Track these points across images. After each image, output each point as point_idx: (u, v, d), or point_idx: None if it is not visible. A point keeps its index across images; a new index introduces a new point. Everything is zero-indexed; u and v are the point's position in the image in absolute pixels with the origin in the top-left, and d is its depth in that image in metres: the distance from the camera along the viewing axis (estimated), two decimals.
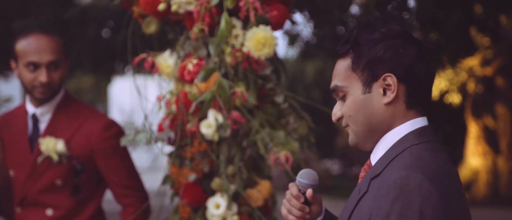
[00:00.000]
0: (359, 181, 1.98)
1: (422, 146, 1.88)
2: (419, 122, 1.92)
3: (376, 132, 1.93)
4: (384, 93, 1.90)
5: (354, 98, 1.93)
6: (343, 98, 1.96)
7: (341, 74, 1.95)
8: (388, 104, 1.90)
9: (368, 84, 1.91)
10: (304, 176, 2.06)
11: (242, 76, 3.02)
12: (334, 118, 2.01)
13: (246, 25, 3.02)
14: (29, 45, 3.21)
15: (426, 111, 1.95)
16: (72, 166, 3.26)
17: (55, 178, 3.26)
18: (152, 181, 5.57)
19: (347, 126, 1.97)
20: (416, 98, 1.91)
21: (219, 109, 2.98)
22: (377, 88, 1.90)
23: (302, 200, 2.07)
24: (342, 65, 1.96)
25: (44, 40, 3.22)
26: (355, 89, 1.93)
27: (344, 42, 1.97)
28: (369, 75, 1.91)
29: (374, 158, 1.95)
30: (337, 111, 1.98)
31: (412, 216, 1.75)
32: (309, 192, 2.06)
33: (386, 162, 1.88)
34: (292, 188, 2.08)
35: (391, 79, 1.88)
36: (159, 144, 3.14)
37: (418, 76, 1.90)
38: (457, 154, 13.23)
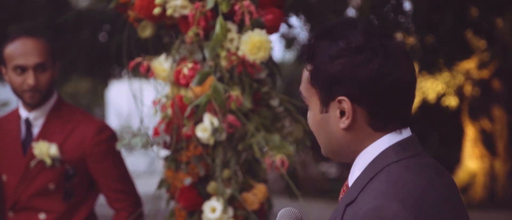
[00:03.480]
0: (339, 201, 1.75)
1: (403, 164, 1.64)
2: (398, 135, 1.68)
3: (342, 152, 1.72)
4: (341, 116, 1.67)
5: (313, 115, 1.73)
6: (308, 108, 1.76)
7: (304, 84, 1.74)
8: (347, 129, 1.67)
9: (325, 103, 1.69)
10: (283, 215, 1.79)
11: (237, 80, 3.02)
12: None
13: (241, 29, 3.01)
14: (16, 49, 3.21)
15: (405, 122, 1.70)
16: (64, 170, 3.26)
17: (47, 182, 3.26)
18: (148, 184, 5.57)
19: None
20: (384, 118, 1.67)
21: (214, 113, 2.98)
22: (334, 109, 1.68)
23: None
24: (305, 74, 1.74)
25: (30, 43, 3.22)
26: (314, 105, 1.72)
27: (306, 48, 1.74)
28: (326, 93, 1.68)
29: (351, 179, 1.71)
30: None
31: None
32: None
33: (361, 185, 1.64)
34: None
35: (345, 104, 1.65)
36: (155, 148, 3.13)
37: (382, 93, 1.64)
38: (454, 157, 13.22)
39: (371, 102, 1.65)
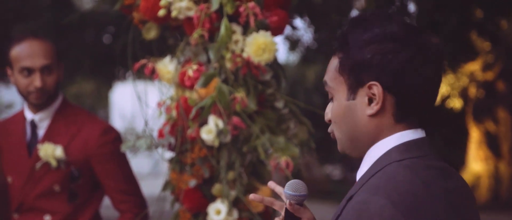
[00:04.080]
0: None
1: (404, 163, 1.65)
2: (408, 135, 1.69)
3: (360, 143, 1.72)
4: (369, 103, 1.68)
5: (339, 103, 1.73)
6: (332, 100, 1.77)
7: (331, 73, 1.75)
8: (373, 116, 1.68)
9: (353, 90, 1.70)
10: (289, 186, 1.84)
11: (242, 81, 3.02)
12: (326, 118, 1.81)
13: (246, 31, 3.01)
14: (22, 51, 3.21)
15: (421, 121, 1.72)
16: (69, 172, 3.26)
17: (52, 183, 3.26)
18: (152, 186, 5.57)
19: (332, 131, 1.78)
20: (407, 110, 1.68)
21: (219, 114, 2.97)
22: (362, 96, 1.69)
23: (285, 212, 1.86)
24: (333, 64, 1.75)
25: (36, 45, 3.22)
26: (341, 93, 1.72)
27: (336, 38, 1.76)
28: (355, 80, 1.69)
29: (359, 174, 1.74)
30: (329, 111, 1.79)
31: None
32: (287, 202, 1.84)
33: (363, 181, 1.67)
34: (276, 202, 1.91)
35: (377, 89, 1.66)
36: (160, 150, 3.13)
37: (410, 85, 1.66)
38: (459, 159, 13.21)
39: (399, 90, 1.67)
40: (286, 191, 1.84)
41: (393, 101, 1.67)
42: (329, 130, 1.80)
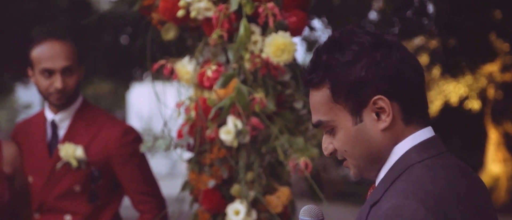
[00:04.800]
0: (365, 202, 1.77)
1: (425, 164, 1.64)
2: (421, 135, 1.69)
3: (378, 159, 1.70)
4: (378, 118, 1.66)
5: (345, 131, 1.68)
6: (332, 132, 1.72)
7: (323, 108, 1.70)
8: (385, 129, 1.67)
9: (357, 113, 1.67)
10: (305, 212, 1.81)
11: (261, 82, 3.01)
12: (326, 153, 1.75)
13: (265, 31, 3.01)
14: (43, 52, 3.23)
15: (427, 119, 1.72)
16: (90, 172, 3.27)
17: (73, 184, 3.27)
18: (170, 187, 5.58)
19: (345, 159, 1.74)
20: (412, 110, 1.68)
21: (238, 115, 2.97)
22: (368, 114, 1.66)
23: None
24: (320, 97, 1.70)
25: (57, 47, 3.23)
26: (344, 122, 1.68)
27: (314, 69, 1.70)
28: (356, 102, 1.66)
29: (378, 179, 1.72)
30: (328, 144, 1.73)
31: None
32: None
33: (386, 186, 1.65)
34: None
35: (383, 102, 1.65)
36: (178, 150, 3.13)
37: (408, 86, 1.66)
38: (477, 161, 13.13)
39: (401, 94, 1.66)
40: (302, 217, 1.82)
41: (398, 106, 1.67)
42: (339, 157, 1.75)
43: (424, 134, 1.70)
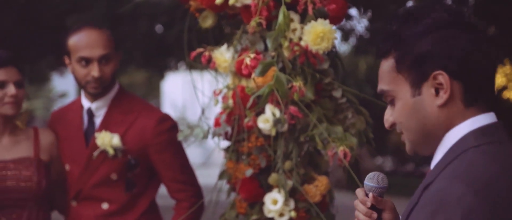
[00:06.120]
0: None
1: (481, 148, 1.63)
2: (481, 119, 1.67)
3: (432, 136, 1.70)
4: (437, 93, 1.66)
5: (403, 102, 1.70)
6: (392, 103, 1.74)
7: (386, 77, 1.73)
8: (442, 106, 1.66)
9: (417, 86, 1.68)
10: (370, 178, 1.89)
11: (300, 70, 2.99)
12: (387, 125, 1.78)
13: (304, 19, 2.97)
14: (80, 41, 3.23)
15: (491, 106, 1.70)
16: (126, 161, 3.27)
17: (110, 172, 3.27)
18: (204, 176, 5.58)
19: (402, 132, 1.76)
20: (475, 94, 1.66)
21: (276, 104, 2.95)
22: (428, 88, 1.67)
23: (369, 204, 1.91)
24: (386, 67, 1.73)
25: (94, 35, 3.23)
26: (403, 93, 1.70)
27: (385, 39, 1.74)
28: (417, 75, 1.67)
29: (433, 163, 1.72)
30: (389, 116, 1.76)
31: None
32: (370, 195, 1.89)
33: (440, 169, 1.65)
34: (359, 193, 1.93)
35: (443, 78, 1.64)
36: (215, 139, 3.12)
37: (475, 69, 1.65)
38: None
39: (465, 75, 1.66)
40: (367, 183, 1.89)
41: (460, 86, 1.66)
42: (398, 130, 1.76)
43: (485, 119, 1.68)
